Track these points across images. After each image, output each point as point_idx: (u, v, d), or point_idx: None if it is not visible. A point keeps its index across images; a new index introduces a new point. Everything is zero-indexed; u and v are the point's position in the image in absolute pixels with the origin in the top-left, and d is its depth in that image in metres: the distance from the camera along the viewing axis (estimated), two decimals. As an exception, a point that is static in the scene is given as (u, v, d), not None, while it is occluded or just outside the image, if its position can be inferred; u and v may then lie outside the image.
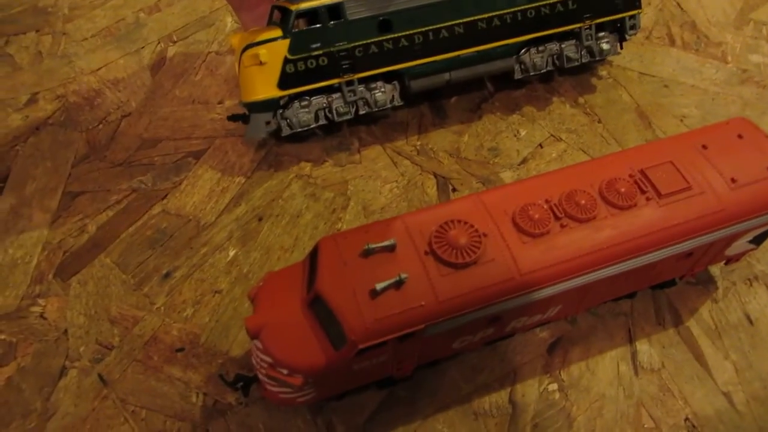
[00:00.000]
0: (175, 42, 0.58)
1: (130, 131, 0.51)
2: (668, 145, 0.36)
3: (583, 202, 0.32)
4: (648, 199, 0.33)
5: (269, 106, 0.45)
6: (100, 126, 0.51)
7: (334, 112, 0.46)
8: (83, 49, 0.57)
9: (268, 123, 0.45)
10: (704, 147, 0.35)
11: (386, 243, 0.31)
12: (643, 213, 0.33)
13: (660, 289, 0.41)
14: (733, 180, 0.34)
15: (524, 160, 0.48)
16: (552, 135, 0.50)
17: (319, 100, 0.46)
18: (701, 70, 0.54)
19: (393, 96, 0.47)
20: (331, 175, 0.48)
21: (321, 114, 0.47)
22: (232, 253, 0.43)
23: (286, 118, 0.46)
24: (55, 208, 0.46)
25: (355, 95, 0.46)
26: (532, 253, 0.31)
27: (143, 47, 0.57)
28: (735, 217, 0.33)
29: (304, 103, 0.45)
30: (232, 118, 0.48)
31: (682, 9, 0.60)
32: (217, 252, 0.43)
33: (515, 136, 0.50)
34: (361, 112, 0.47)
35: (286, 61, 0.43)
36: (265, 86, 0.44)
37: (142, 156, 0.49)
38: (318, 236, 0.44)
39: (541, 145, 0.49)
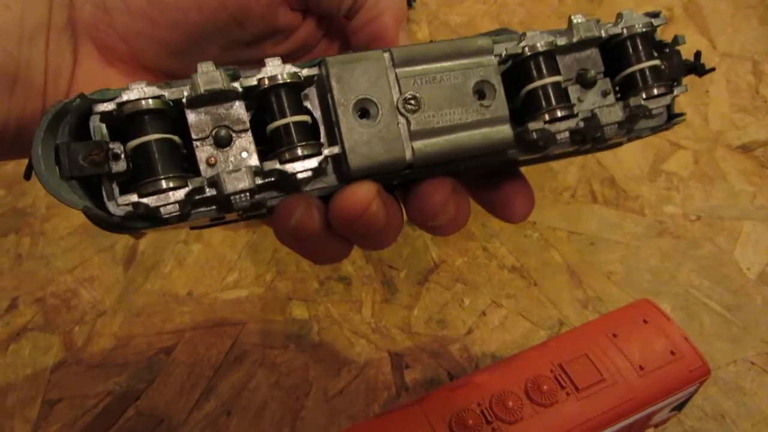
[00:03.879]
0: (145, 234, 0.63)
1: (105, 330, 0.54)
2: (584, 336, 0.41)
3: (510, 403, 0.37)
4: (568, 394, 0.37)
5: None
6: (77, 328, 0.55)
7: None
8: (60, 248, 0.62)
9: None
10: (614, 335, 0.40)
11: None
12: (564, 408, 0.37)
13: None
14: (641, 367, 0.38)
15: (470, 331, 0.53)
16: (493, 302, 0.55)
17: None
18: (622, 225, 0.61)
19: None
20: (294, 360, 0.51)
21: None
22: (203, 452, 0.46)
23: None
24: (35, 419, 0.49)
25: None
26: (468, 461, 0.35)
27: (116, 242, 0.62)
28: (645, 403, 0.38)
29: None
30: None
31: (601, 165, 0.67)
32: (189, 452, 0.46)
33: (460, 305, 0.55)
34: None
35: None
36: None
37: (116, 356, 0.52)
38: (283, 427, 0.47)
39: (484, 313, 0.54)
